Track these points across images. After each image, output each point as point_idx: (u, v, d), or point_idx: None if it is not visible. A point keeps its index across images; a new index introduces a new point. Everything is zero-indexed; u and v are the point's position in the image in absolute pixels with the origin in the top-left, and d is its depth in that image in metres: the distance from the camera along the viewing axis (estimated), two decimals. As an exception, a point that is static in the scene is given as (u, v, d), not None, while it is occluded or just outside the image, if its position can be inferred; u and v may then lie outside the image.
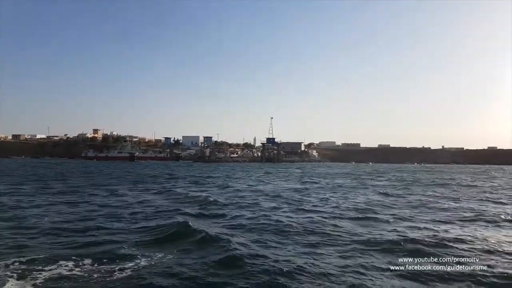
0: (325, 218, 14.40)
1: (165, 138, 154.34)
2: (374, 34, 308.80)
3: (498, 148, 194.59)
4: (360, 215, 15.36)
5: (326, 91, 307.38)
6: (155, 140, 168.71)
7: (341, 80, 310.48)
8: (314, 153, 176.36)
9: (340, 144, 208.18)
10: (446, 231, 12.07)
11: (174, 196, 22.10)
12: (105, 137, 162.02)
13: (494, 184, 38.21)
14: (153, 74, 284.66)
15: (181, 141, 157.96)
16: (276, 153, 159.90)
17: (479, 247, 9.94)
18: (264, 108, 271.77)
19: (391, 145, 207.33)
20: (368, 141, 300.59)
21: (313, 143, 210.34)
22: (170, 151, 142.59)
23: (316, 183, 36.10)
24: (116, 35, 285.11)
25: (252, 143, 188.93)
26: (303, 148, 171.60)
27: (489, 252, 9.55)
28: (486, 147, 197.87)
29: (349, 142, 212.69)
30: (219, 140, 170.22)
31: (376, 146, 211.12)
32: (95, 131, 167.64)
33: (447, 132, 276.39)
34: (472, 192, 27.98)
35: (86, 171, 51.22)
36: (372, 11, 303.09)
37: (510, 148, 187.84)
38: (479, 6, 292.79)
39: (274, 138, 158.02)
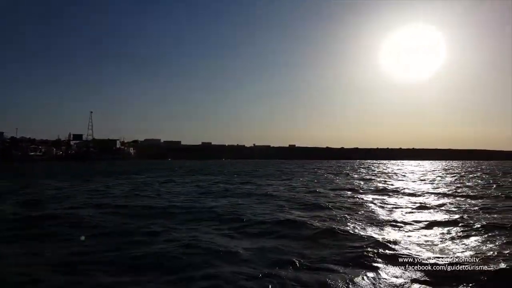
0: None
1: None
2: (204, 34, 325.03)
3: (296, 145, 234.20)
4: None
5: (157, 90, 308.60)
6: None
7: (172, 79, 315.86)
8: (131, 150, 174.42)
9: (163, 142, 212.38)
10: None
11: None
12: None
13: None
14: None
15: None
16: (85, 150, 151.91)
17: None
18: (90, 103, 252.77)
19: (212, 143, 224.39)
20: (193, 139, 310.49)
21: (138, 140, 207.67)
22: None
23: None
24: None
25: (67, 140, 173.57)
26: (118, 145, 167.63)
27: None
28: (287, 145, 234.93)
29: (176, 140, 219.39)
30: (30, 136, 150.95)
31: (200, 143, 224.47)
32: None
33: (257, 131, 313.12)
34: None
35: None
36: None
37: (307, 146, 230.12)
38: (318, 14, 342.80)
39: (82, 135, 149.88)
